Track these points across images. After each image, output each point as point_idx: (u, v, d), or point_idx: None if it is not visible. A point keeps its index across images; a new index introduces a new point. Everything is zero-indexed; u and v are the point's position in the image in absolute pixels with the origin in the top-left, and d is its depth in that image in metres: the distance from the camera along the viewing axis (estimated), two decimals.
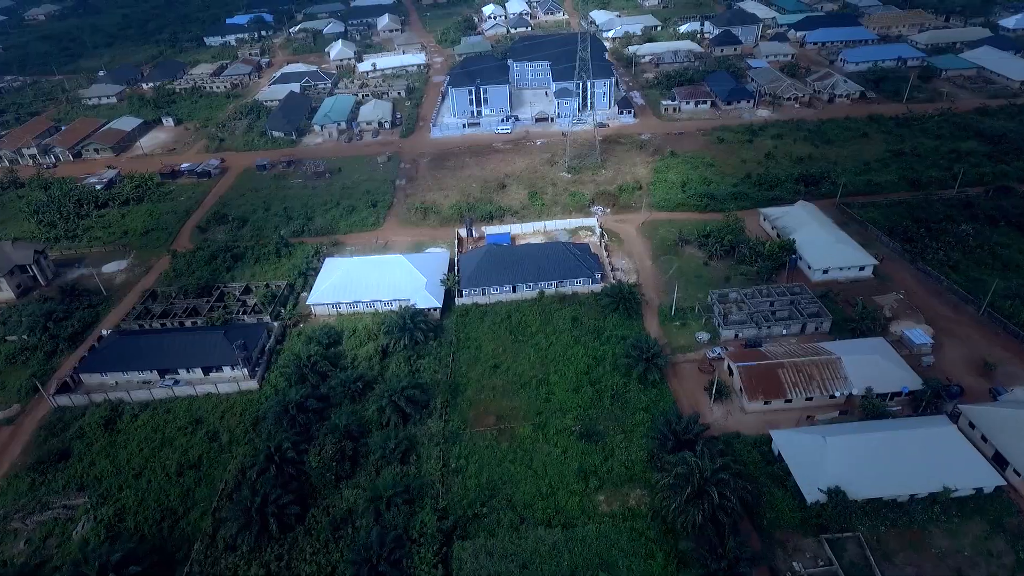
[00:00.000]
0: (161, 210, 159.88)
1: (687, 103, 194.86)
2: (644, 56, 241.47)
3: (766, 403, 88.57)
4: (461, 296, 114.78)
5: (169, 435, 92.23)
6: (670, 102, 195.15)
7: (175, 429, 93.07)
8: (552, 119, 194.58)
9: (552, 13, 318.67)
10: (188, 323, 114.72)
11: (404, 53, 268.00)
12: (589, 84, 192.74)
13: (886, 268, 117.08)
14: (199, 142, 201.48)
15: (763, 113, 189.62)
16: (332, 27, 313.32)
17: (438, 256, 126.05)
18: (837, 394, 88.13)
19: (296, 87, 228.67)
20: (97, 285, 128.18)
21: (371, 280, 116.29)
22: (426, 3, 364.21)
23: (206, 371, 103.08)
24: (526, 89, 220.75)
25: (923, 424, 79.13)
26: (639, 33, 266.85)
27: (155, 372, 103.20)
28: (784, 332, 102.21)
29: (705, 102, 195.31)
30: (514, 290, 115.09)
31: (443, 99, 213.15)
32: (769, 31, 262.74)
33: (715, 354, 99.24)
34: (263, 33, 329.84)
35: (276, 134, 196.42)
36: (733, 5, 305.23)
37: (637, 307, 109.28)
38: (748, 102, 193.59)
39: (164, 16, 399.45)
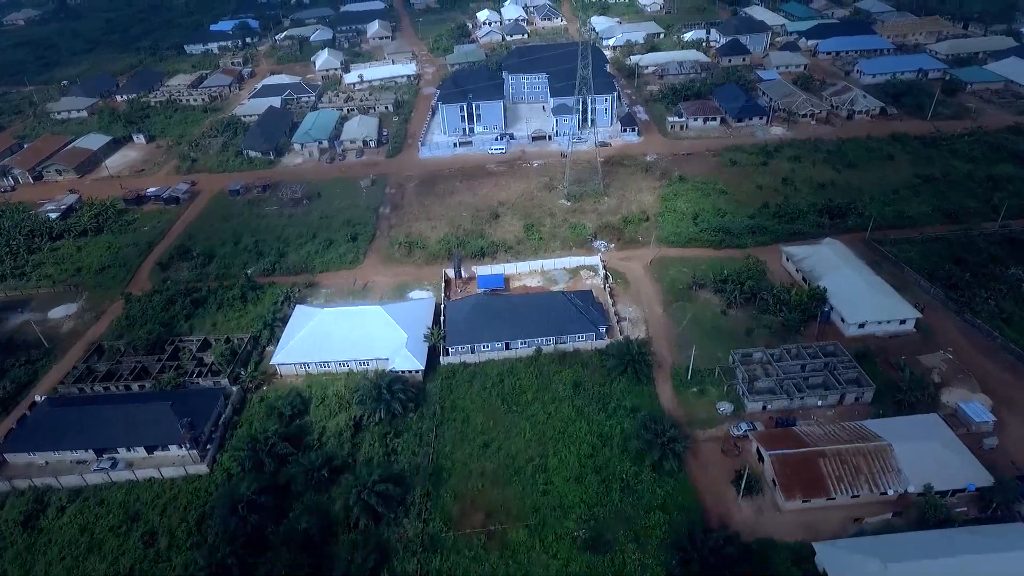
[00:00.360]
0: (121, 243, 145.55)
1: (695, 120, 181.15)
2: (647, 67, 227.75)
3: (805, 501, 74.85)
4: (447, 354, 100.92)
5: (99, 536, 78.01)
6: (677, 119, 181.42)
7: (106, 528, 78.84)
8: (550, 137, 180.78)
9: (550, 19, 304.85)
10: (135, 386, 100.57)
11: (393, 63, 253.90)
12: (589, 100, 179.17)
13: (928, 319, 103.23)
14: (170, 162, 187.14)
15: (777, 131, 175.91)
16: (319, 34, 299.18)
17: (421, 304, 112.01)
18: (890, 491, 74.45)
19: (277, 101, 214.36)
20: (38, 337, 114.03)
21: (345, 335, 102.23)
22: (418, 8, 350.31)
23: (149, 450, 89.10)
24: (522, 103, 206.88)
25: (1006, 542, 65.09)
26: (641, 41, 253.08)
27: (91, 451, 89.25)
28: (819, 404, 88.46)
29: (714, 119, 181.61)
30: (507, 347, 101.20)
31: (433, 115, 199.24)
32: (778, 39, 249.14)
33: (741, 432, 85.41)
34: (248, 40, 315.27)
35: (253, 154, 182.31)
36: (739, 11, 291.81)
37: (648, 370, 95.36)
38: (761, 119, 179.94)
39: (149, 21, 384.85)
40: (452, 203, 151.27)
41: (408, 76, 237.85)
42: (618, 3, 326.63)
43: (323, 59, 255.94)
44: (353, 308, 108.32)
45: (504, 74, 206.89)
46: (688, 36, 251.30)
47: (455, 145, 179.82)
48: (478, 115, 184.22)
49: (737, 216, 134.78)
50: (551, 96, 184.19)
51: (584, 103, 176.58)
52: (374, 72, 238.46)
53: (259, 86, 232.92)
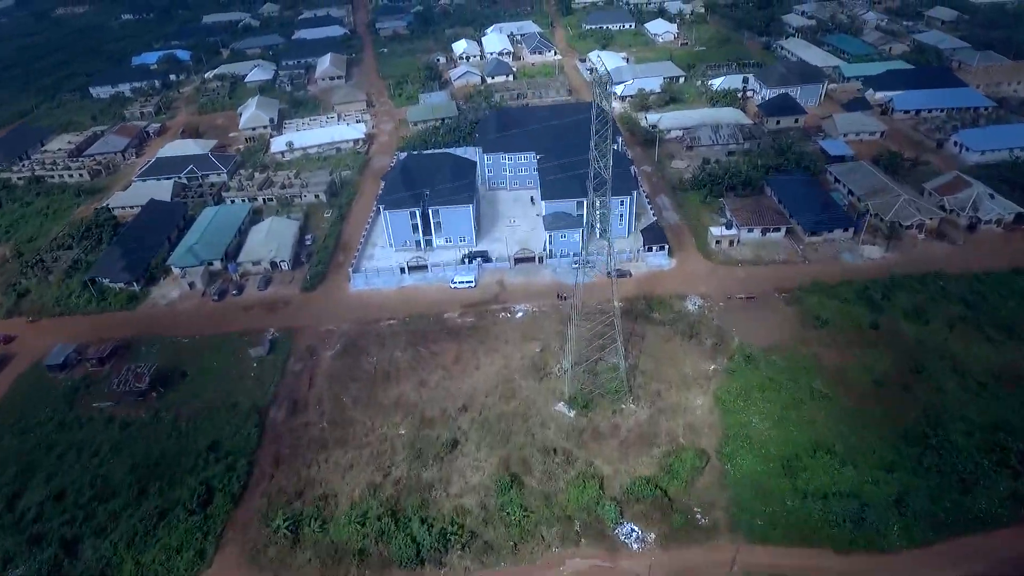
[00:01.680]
0: None
1: (749, 231, 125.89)
2: (669, 130, 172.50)
3: None
4: None
5: None
6: (723, 231, 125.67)
7: None
8: (541, 259, 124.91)
9: (540, 53, 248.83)
10: None
11: (340, 119, 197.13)
12: (598, 203, 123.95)
13: None
14: None
15: (873, 252, 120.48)
16: (257, 72, 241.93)
17: None
18: None
19: (168, 187, 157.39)
20: None
21: None
22: (385, 35, 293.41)
23: None
24: (502, 190, 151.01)
25: None
26: (657, 90, 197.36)
27: None
28: None
29: (778, 229, 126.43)
30: None
31: (376, 217, 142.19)
32: (833, 86, 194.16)
33: None
34: (174, 77, 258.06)
35: (109, 284, 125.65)
36: (776, 47, 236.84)
37: None
38: (845, 231, 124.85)
39: (72, 48, 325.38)
40: (386, 402, 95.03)
41: (356, 141, 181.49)
42: (623, 31, 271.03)
43: (250, 112, 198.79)
44: None
45: (477, 152, 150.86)
46: (718, 84, 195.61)
47: (403, 271, 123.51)
48: (437, 223, 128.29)
49: (863, 465, 78.80)
50: (543, 199, 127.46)
51: (593, 205, 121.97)
52: (309, 136, 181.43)
53: (151, 160, 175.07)
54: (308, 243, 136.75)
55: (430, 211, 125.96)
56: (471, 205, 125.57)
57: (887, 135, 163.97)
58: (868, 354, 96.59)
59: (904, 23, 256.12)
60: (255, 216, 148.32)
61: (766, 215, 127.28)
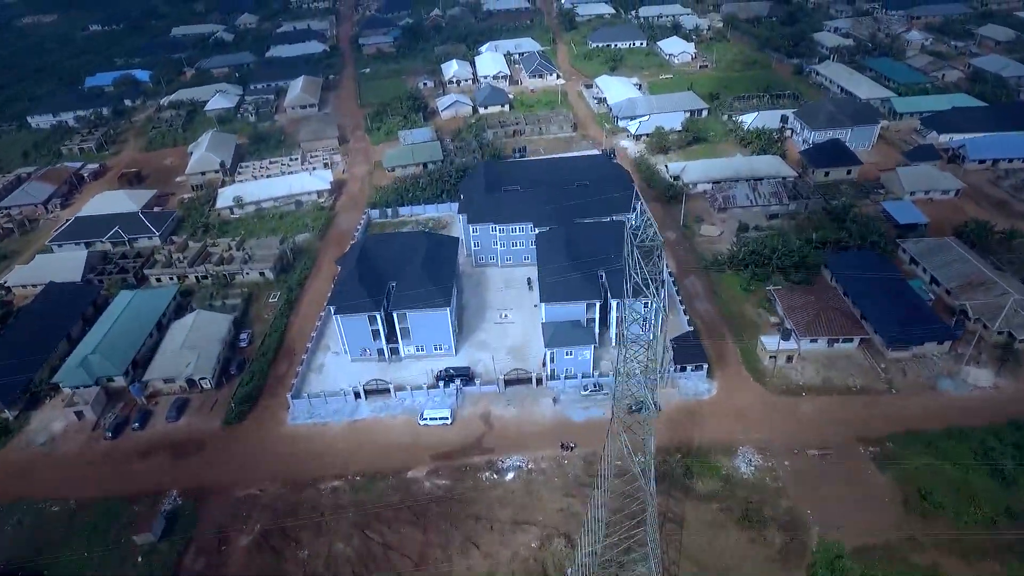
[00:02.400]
0: None
1: (812, 341, 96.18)
2: (696, 184, 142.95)
3: None
4: None
5: None
6: (778, 342, 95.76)
7: None
8: (539, 381, 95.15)
9: (541, 76, 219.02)
10: None
11: (304, 162, 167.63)
12: (617, 305, 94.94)
13: None
14: None
15: (981, 379, 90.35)
16: (218, 100, 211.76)
17: None
18: None
19: (82, 258, 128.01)
20: None
21: None
22: (368, 53, 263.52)
23: None
24: (491, 266, 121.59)
25: None
26: (679, 128, 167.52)
27: None
28: None
29: (850, 339, 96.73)
30: None
31: (326, 318, 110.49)
32: (884, 123, 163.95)
33: None
34: (129, 102, 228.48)
35: None
36: (805, 68, 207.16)
37: None
38: (940, 343, 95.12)
39: (22, 65, 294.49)
40: None
41: (319, 192, 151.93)
42: (634, 50, 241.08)
43: (199, 154, 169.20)
44: None
45: (459, 219, 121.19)
46: (750, 122, 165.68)
47: (357, 396, 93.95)
48: (405, 329, 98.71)
49: None
50: (541, 300, 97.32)
51: (612, 304, 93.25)
52: (263, 188, 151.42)
53: (69, 221, 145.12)
54: (243, 342, 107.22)
55: (395, 315, 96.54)
56: (448, 309, 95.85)
57: (964, 193, 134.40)
58: (1012, 563, 66.99)
59: (953, 43, 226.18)
60: (184, 298, 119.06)
61: (832, 318, 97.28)
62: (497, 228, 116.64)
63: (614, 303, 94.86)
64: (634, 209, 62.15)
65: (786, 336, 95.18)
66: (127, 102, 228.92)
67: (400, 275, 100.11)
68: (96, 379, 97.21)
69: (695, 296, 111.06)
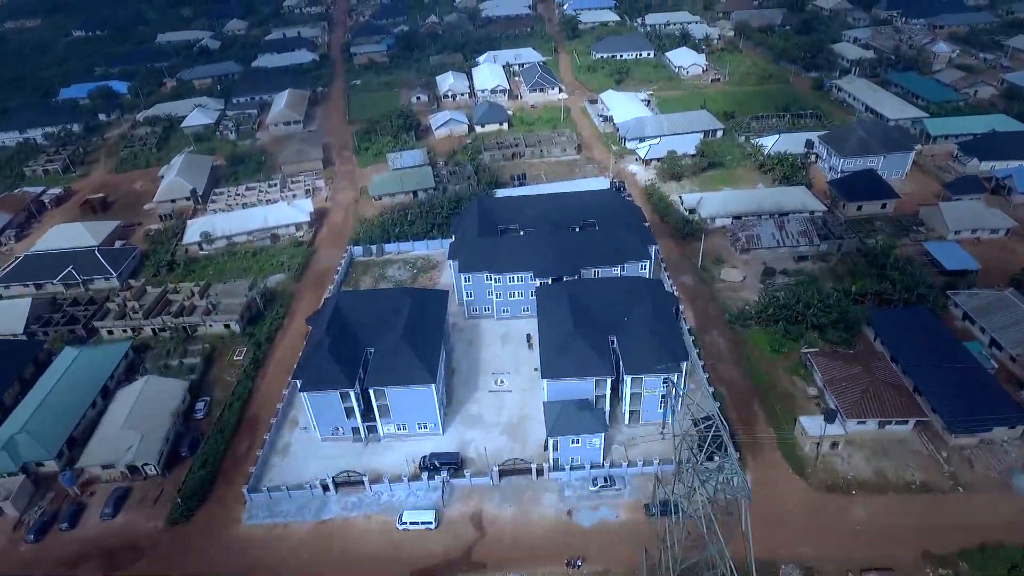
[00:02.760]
0: None
1: (860, 423, 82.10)
2: (714, 219, 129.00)
3: None
4: None
5: None
6: (821, 426, 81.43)
7: None
8: (539, 471, 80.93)
9: (542, 89, 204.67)
10: None
11: (284, 188, 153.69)
12: (629, 381, 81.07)
13: None
14: None
15: None
16: (196, 116, 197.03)
17: None
18: None
19: (25, 306, 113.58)
20: None
21: None
22: (360, 63, 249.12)
23: None
24: (486, 318, 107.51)
25: None
26: (692, 152, 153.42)
27: None
28: None
29: (904, 421, 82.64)
30: None
31: (295, 391, 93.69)
32: (916, 146, 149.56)
33: None
34: (104, 116, 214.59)
35: None
36: (826, 84, 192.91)
37: None
38: (1012, 427, 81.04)
39: None
40: None
41: (297, 225, 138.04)
42: (640, 61, 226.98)
43: (170, 179, 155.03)
44: None
45: (451, 265, 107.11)
46: (771, 146, 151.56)
47: (327, 488, 79.76)
48: (383, 407, 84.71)
49: None
50: (543, 376, 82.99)
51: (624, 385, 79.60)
52: (234, 222, 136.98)
53: (20, 257, 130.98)
54: (199, 413, 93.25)
55: (372, 392, 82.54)
56: (433, 386, 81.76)
57: (1015, 233, 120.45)
58: None
59: (982, 55, 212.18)
60: (137, 355, 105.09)
61: (884, 395, 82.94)
62: (492, 277, 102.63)
63: (628, 379, 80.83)
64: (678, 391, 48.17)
65: (830, 418, 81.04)
66: (101, 116, 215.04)
67: (379, 341, 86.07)
68: (22, 464, 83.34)
69: (719, 359, 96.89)
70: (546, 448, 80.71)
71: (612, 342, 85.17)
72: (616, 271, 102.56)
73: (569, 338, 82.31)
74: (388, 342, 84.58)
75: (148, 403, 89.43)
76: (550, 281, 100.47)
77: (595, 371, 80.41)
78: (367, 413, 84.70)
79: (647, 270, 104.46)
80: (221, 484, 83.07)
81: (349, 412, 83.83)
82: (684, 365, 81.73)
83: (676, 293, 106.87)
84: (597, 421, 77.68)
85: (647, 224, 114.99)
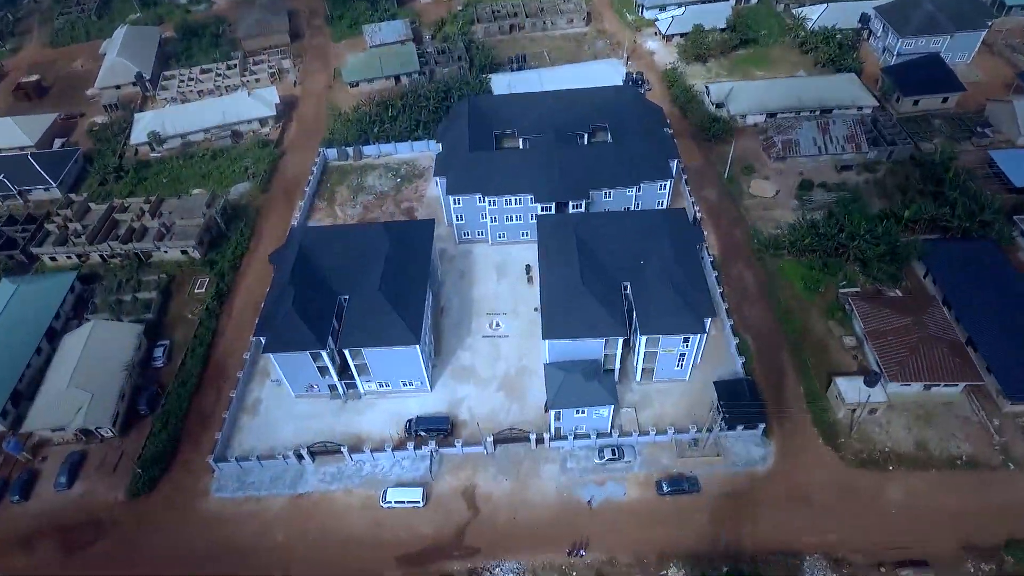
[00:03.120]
0: None
1: (905, 385, 71.65)
2: (744, 116, 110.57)
3: None
4: None
5: None
6: (859, 390, 70.37)
7: None
8: (539, 440, 71.87)
9: None
10: None
11: (245, 77, 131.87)
12: (643, 344, 70.10)
13: None
14: None
15: None
16: None
17: None
18: None
19: None
20: None
21: None
22: None
23: None
24: (479, 243, 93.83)
25: None
26: (722, 27, 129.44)
27: None
28: None
29: (953, 383, 72.05)
30: None
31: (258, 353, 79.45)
32: (989, 23, 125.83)
33: None
34: None
35: None
36: None
37: None
38: None
39: None
40: None
41: (261, 121, 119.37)
42: None
43: (112, 59, 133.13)
44: None
45: (438, 182, 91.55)
46: (815, 19, 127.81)
47: (301, 458, 71.59)
48: (361, 366, 74.18)
49: None
50: (546, 336, 70.29)
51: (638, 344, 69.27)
52: (187, 118, 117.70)
53: None
54: (158, 361, 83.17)
55: (347, 354, 71.60)
56: (418, 345, 70.54)
57: None
58: None
59: None
60: (85, 285, 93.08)
61: (935, 353, 71.93)
62: (486, 200, 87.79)
63: (642, 339, 69.63)
64: None
65: (871, 381, 70.78)
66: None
67: (354, 288, 73.73)
68: None
69: (745, 298, 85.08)
70: (547, 410, 71.45)
71: (625, 289, 72.91)
72: (631, 193, 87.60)
73: (575, 291, 69.76)
74: (365, 292, 72.13)
75: (97, 354, 78.86)
76: (553, 208, 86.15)
77: (605, 330, 68.87)
78: (344, 370, 74.59)
79: (667, 191, 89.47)
80: (186, 446, 74.90)
81: (323, 371, 73.59)
82: (708, 322, 70.20)
83: (700, 216, 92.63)
84: (606, 392, 67.51)
85: (669, 130, 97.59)
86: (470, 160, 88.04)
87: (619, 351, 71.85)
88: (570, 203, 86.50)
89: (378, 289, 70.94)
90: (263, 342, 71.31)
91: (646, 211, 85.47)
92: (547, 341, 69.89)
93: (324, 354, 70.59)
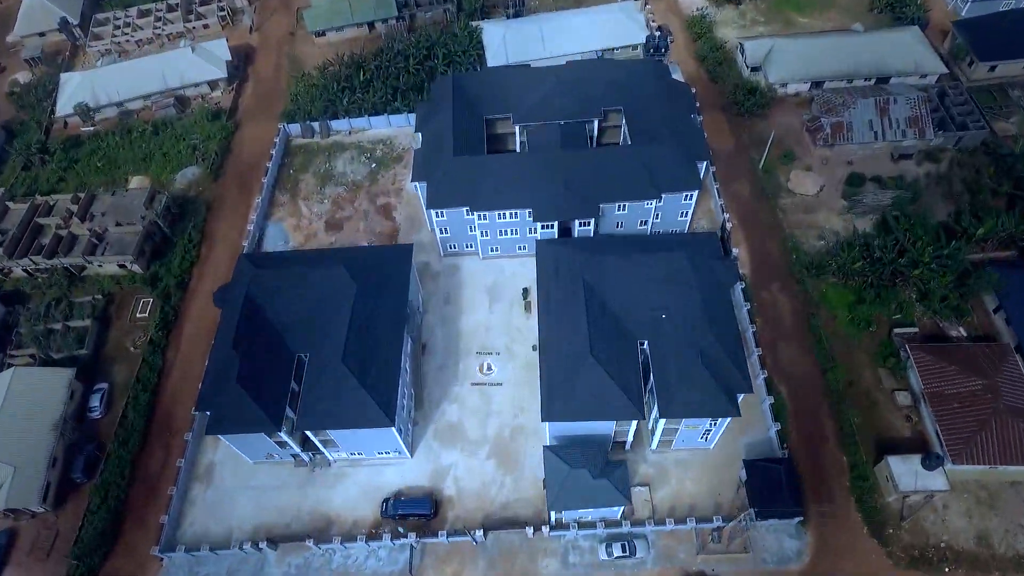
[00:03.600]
0: None
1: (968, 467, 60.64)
2: (786, 84, 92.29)
3: None
4: None
5: None
6: (916, 476, 58.23)
7: None
8: (539, 527, 61.52)
9: None
10: None
11: (190, 25, 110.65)
12: (661, 424, 58.16)
13: None
14: None
15: None
16: None
17: None
18: None
19: None
20: None
21: None
22: None
23: None
24: (468, 255, 79.34)
25: None
26: None
27: None
28: None
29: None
30: None
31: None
32: None
33: None
34: None
35: None
36: None
37: None
38: None
39: None
40: None
41: (210, 84, 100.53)
42: None
43: (30, 1, 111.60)
44: None
45: (417, 190, 75.84)
46: None
47: (259, 547, 61.47)
48: (327, 442, 62.41)
49: None
50: (546, 418, 58.13)
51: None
52: (122, 81, 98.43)
53: None
54: (95, 412, 71.57)
55: (309, 433, 59.78)
56: (392, 427, 58.46)
57: None
58: None
59: None
60: (8, 308, 79.79)
61: (1010, 428, 60.40)
62: (475, 214, 72.64)
63: (660, 423, 57.79)
64: None
65: (931, 465, 59.54)
66: None
67: (313, 345, 60.75)
68: None
69: (780, 333, 72.19)
70: (548, 514, 60.53)
71: (642, 344, 59.96)
72: (650, 206, 72.38)
73: (581, 361, 56.90)
74: (326, 356, 59.12)
75: (19, 413, 67.09)
76: (555, 229, 71.40)
77: (617, 413, 56.81)
78: (307, 441, 63.22)
79: (692, 200, 74.16)
80: (130, 524, 64.88)
81: (283, 444, 62.28)
82: (741, 398, 57.97)
83: (730, 225, 77.81)
84: (617, 491, 56.28)
85: (698, 116, 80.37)
86: (455, 166, 71.86)
87: (632, 428, 60.25)
88: (576, 222, 71.70)
89: (342, 360, 57.88)
90: (207, 416, 59.47)
91: (668, 238, 70.87)
92: (546, 423, 57.96)
93: (282, 432, 58.93)
